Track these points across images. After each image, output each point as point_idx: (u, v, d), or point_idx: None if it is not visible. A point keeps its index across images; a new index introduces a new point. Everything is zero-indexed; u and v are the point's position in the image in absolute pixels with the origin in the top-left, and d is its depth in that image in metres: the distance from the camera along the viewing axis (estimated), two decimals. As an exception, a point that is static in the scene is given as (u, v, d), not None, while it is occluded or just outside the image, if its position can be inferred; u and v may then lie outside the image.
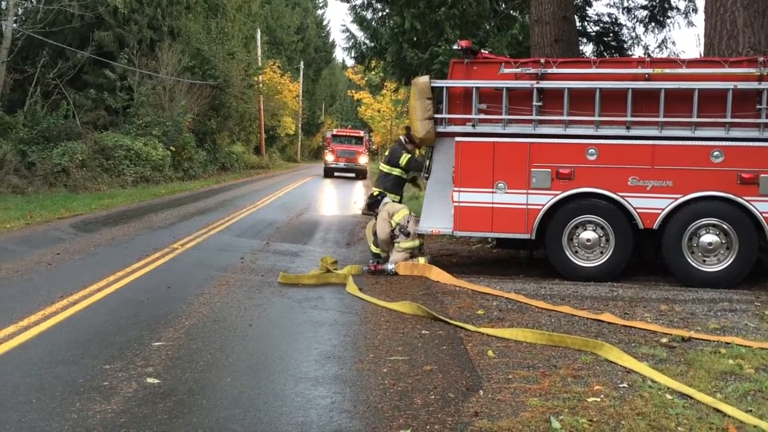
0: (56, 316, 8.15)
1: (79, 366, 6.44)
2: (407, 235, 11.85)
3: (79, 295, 9.22)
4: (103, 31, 33.22)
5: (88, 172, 26.87)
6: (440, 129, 11.52)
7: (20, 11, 29.97)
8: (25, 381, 6.00)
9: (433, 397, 5.82)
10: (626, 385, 6.05)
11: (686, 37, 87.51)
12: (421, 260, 11.73)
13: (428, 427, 5.17)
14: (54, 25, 29.64)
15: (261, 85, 53.17)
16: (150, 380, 6.07)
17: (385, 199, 12.19)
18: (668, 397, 5.74)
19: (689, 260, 10.65)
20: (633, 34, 21.35)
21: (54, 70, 30.54)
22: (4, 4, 28.73)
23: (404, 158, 12.50)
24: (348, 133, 51.16)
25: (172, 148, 33.46)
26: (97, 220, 17.72)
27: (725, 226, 10.48)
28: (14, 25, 27.85)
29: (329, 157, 46.10)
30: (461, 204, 11.22)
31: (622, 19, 21.27)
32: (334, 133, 51.63)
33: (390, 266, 11.48)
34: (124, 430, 5.05)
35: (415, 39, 20.16)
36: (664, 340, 7.54)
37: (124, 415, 5.28)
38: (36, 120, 27.73)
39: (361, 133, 50.96)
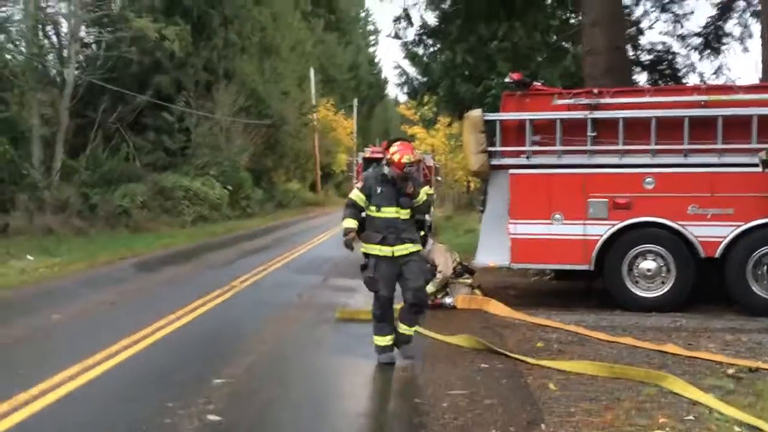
0: (119, 355, 8.26)
1: (142, 404, 6.52)
2: (471, 273, 11.90)
3: (140, 334, 9.34)
4: (161, 75, 33.96)
5: (148, 212, 27.38)
6: (494, 162, 11.50)
7: (81, 58, 30.77)
8: (90, 419, 6.09)
9: (494, 431, 5.75)
10: (692, 418, 5.91)
11: (744, 63, 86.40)
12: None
13: (490, 463, 5.12)
14: (114, 71, 30.39)
15: (315, 122, 53.55)
16: (211, 417, 6.11)
17: (430, 240, 12.03)
18: (736, 429, 5.60)
19: (754, 289, 10.39)
20: (687, 62, 21.08)
21: (114, 114, 31.26)
22: (66, 52, 29.58)
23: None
24: None
25: (229, 187, 33.91)
26: (157, 260, 18.01)
27: (791, 254, 10.24)
28: (76, 72, 28.63)
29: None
30: (518, 236, 11.15)
31: (676, 47, 21.02)
32: (368, 155, 28.52)
33: (449, 300, 11.45)
34: (187, 467, 5.10)
35: (467, 73, 20.20)
36: (731, 371, 7.36)
37: (187, 452, 5.33)
38: (98, 163, 28.42)
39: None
